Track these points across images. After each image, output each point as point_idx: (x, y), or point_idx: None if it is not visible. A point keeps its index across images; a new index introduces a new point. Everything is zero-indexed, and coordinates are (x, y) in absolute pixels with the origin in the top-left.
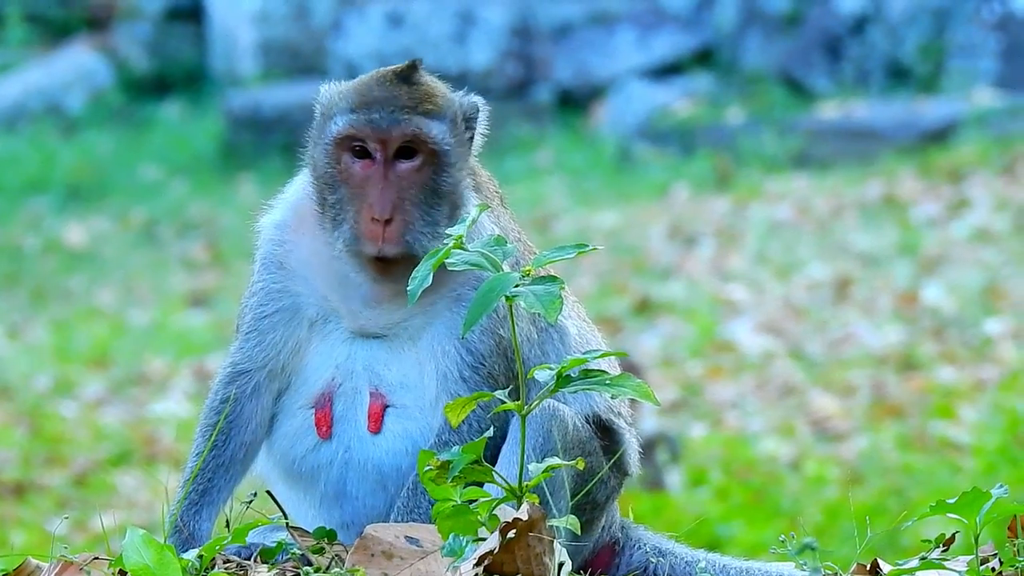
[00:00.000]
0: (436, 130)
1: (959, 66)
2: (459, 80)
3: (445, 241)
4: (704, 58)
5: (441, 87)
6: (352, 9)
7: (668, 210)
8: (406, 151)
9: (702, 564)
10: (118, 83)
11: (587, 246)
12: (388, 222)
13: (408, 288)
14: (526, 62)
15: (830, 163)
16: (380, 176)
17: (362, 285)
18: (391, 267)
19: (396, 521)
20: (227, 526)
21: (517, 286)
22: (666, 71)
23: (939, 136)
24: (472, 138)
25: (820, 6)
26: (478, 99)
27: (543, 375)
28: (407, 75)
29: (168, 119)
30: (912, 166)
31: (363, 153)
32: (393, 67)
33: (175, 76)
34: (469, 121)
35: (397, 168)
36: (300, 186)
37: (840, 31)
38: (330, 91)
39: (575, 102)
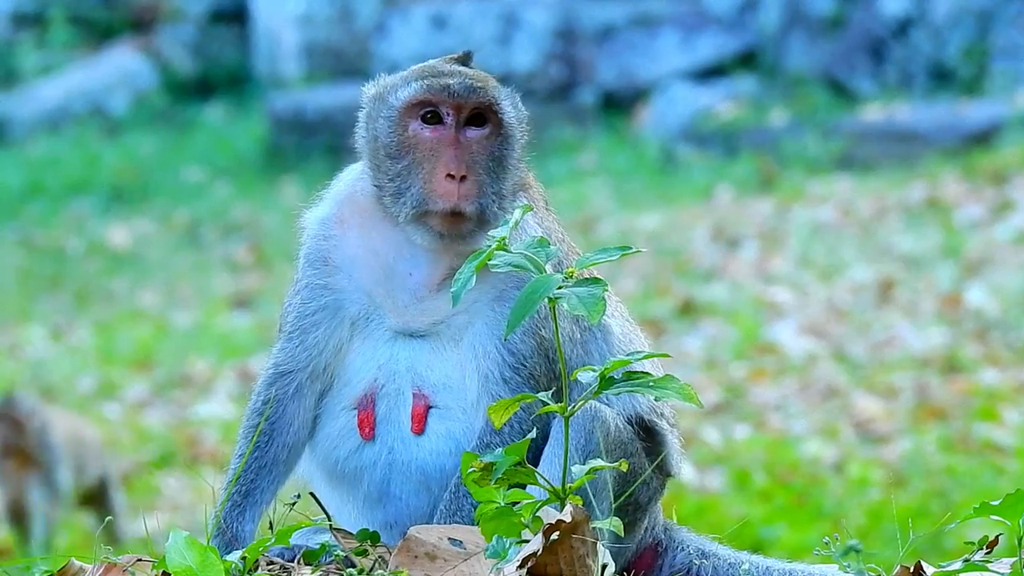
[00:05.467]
0: (506, 103)
1: (1002, 68)
2: (503, 82)
3: (488, 242)
4: (747, 60)
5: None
6: (396, 11)
7: (711, 212)
8: (476, 119)
9: (745, 566)
10: (162, 85)
11: (630, 248)
12: (463, 179)
13: (452, 290)
14: (569, 64)
15: (873, 165)
16: (450, 140)
17: (411, 275)
18: (460, 226)
19: (439, 524)
20: (270, 528)
21: (560, 288)
22: (709, 73)
23: (982, 138)
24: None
25: (863, 8)
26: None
27: (586, 376)
28: (464, 61)
29: (211, 121)
30: (955, 168)
31: (433, 119)
32: (447, 56)
33: (219, 78)
34: (521, 118)
35: (467, 134)
36: (346, 181)
37: (883, 33)
38: (384, 79)
39: (618, 104)
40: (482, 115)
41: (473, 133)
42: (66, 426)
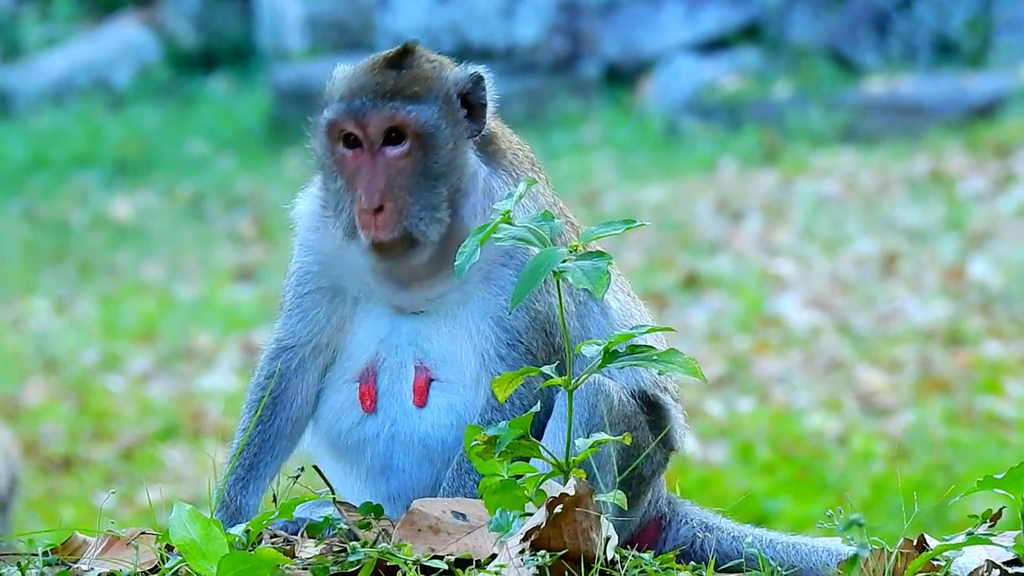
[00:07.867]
0: (420, 114)
1: (1006, 41)
2: (506, 55)
3: (491, 216)
4: (751, 33)
5: (434, 67)
6: None
7: (715, 185)
8: (393, 137)
9: (749, 539)
10: (165, 58)
11: (635, 221)
12: (379, 210)
13: (456, 263)
14: (573, 37)
15: (877, 138)
16: (368, 164)
17: (390, 269)
18: (390, 251)
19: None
20: (274, 501)
21: (564, 261)
22: (713, 46)
23: (986, 111)
24: (475, 112)
25: None
26: (479, 68)
27: (590, 350)
28: (398, 60)
29: (215, 94)
30: (959, 141)
31: (354, 142)
32: (386, 52)
33: (222, 51)
34: (469, 95)
35: (386, 154)
36: None
37: (887, 6)
38: (332, 77)
39: (622, 77)
40: (398, 133)
41: (392, 152)
42: None
